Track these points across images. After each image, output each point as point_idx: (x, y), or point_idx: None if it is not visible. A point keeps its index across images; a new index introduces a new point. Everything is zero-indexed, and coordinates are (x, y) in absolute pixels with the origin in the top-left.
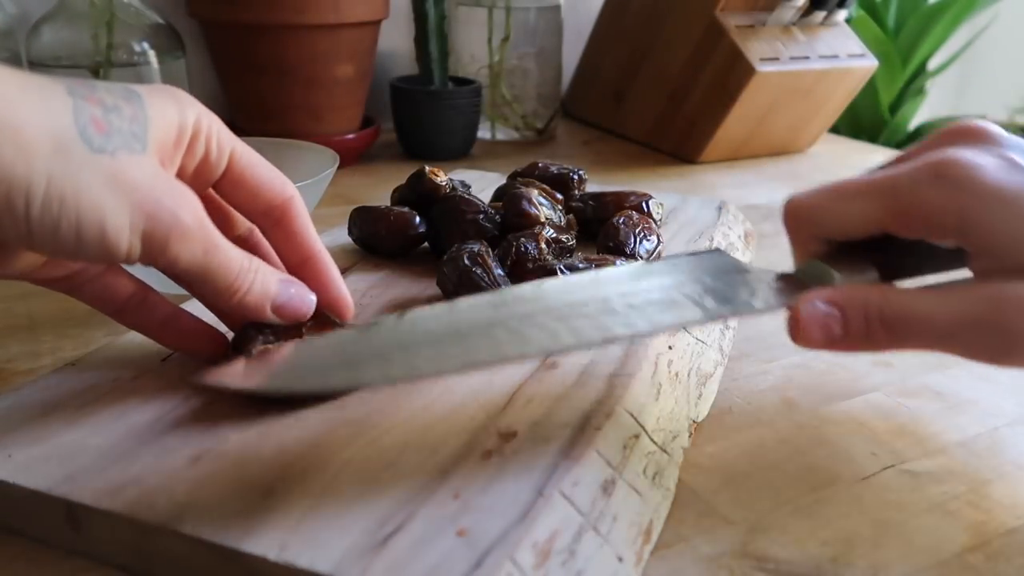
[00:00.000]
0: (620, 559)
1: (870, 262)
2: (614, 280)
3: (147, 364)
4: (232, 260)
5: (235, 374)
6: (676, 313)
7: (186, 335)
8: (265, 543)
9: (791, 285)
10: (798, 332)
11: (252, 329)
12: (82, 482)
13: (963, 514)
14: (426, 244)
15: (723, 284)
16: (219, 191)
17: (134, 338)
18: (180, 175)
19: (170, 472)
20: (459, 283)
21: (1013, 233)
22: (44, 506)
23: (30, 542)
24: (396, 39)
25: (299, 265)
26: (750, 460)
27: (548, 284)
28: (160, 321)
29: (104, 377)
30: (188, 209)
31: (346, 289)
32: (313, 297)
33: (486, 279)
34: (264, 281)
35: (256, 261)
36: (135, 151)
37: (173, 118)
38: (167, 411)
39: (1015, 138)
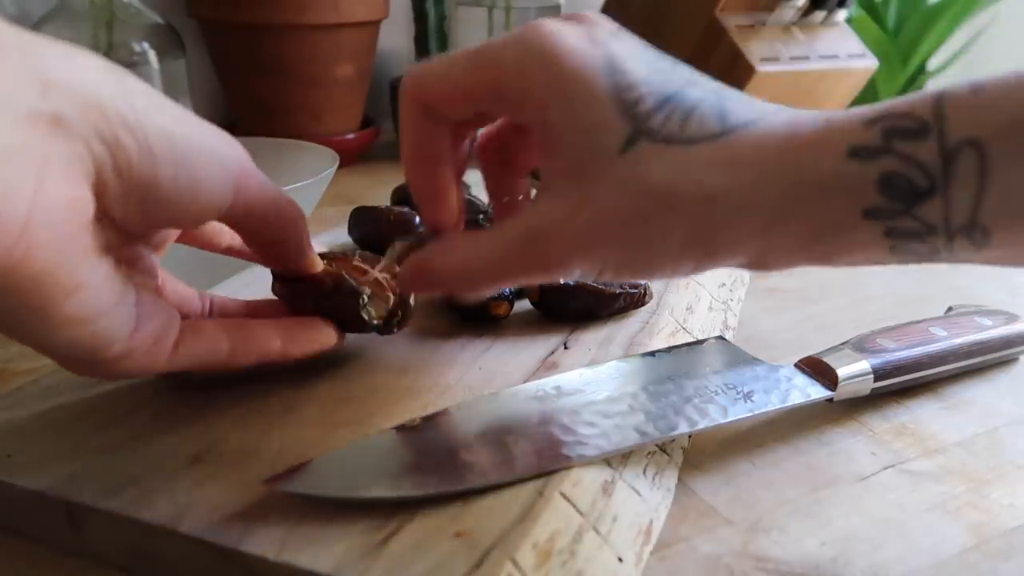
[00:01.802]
0: (620, 559)
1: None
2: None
3: None
4: (281, 195)
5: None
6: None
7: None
8: (265, 543)
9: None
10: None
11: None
12: (82, 482)
13: (963, 514)
14: None
15: None
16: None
17: None
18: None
19: (170, 472)
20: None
21: (564, 111)
22: (44, 506)
23: (30, 542)
24: (396, 39)
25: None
26: (750, 460)
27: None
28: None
29: None
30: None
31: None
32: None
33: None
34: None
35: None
36: None
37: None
38: (167, 411)
39: (613, 24)
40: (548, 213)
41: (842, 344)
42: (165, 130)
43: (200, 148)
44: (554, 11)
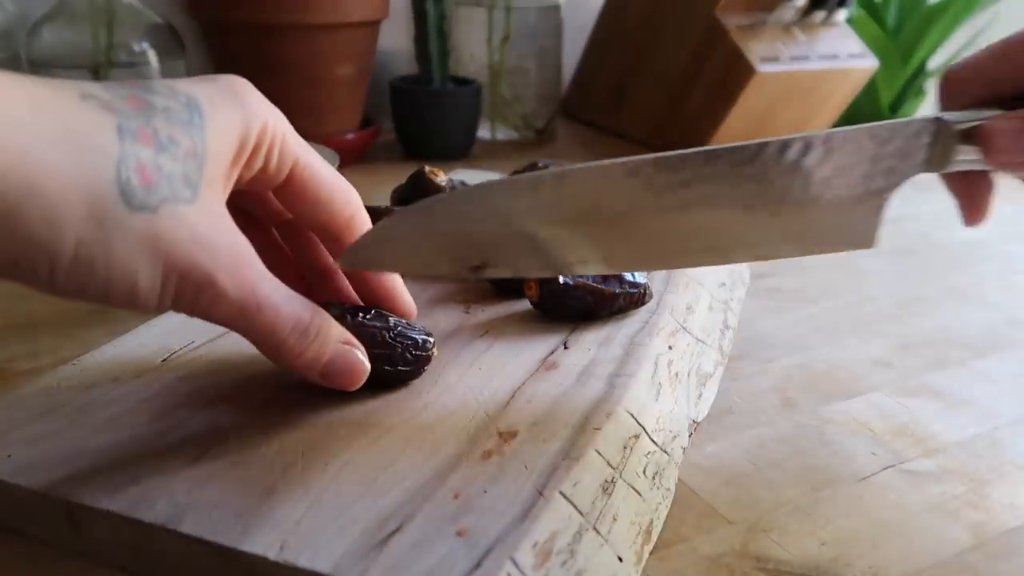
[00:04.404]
0: (620, 559)
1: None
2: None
3: (147, 364)
4: (282, 319)
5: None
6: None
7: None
8: (265, 543)
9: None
10: (993, 152)
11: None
12: (82, 482)
13: (963, 514)
14: None
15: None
16: (278, 197)
17: (134, 338)
18: (235, 185)
19: (170, 472)
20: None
21: None
22: (44, 506)
23: (30, 542)
24: (396, 39)
25: (364, 286)
26: (750, 460)
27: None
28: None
29: (104, 377)
30: (226, 269)
31: (412, 304)
32: (367, 367)
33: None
34: (321, 346)
35: (319, 319)
36: (182, 200)
37: (235, 133)
38: (167, 411)
39: None
40: None
41: None
42: None
43: None
44: (554, 11)
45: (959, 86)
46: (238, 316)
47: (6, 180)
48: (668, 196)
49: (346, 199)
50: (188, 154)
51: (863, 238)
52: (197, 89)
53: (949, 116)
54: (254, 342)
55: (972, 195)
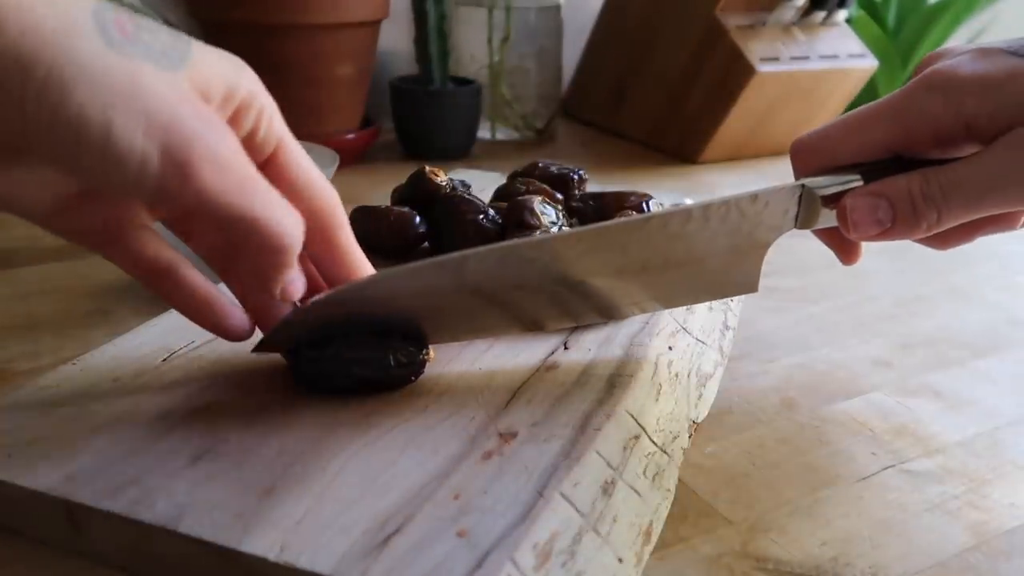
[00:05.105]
0: (620, 560)
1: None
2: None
3: (147, 364)
4: (276, 206)
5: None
6: None
7: (216, 313)
8: (265, 543)
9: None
10: (848, 226)
11: None
12: (82, 482)
13: (963, 514)
14: (426, 244)
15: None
16: None
17: (134, 338)
18: None
19: (170, 472)
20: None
21: (1017, 102)
22: (44, 506)
23: (30, 542)
24: (396, 39)
25: (340, 282)
26: (750, 460)
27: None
28: (190, 293)
29: (104, 377)
30: (217, 133)
31: None
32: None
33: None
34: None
35: (299, 226)
36: (162, 67)
37: (223, 74)
38: (167, 411)
39: (966, 46)
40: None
41: None
42: None
43: None
44: (554, 11)
45: (805, 158)
46: (237, 191)
47: None
48: (572, 265)
49: (326, 191)
50: (169, 44)
51: (748, 286)
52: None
53: (812, 183)
54: (251, 241)
55: (842, 244)
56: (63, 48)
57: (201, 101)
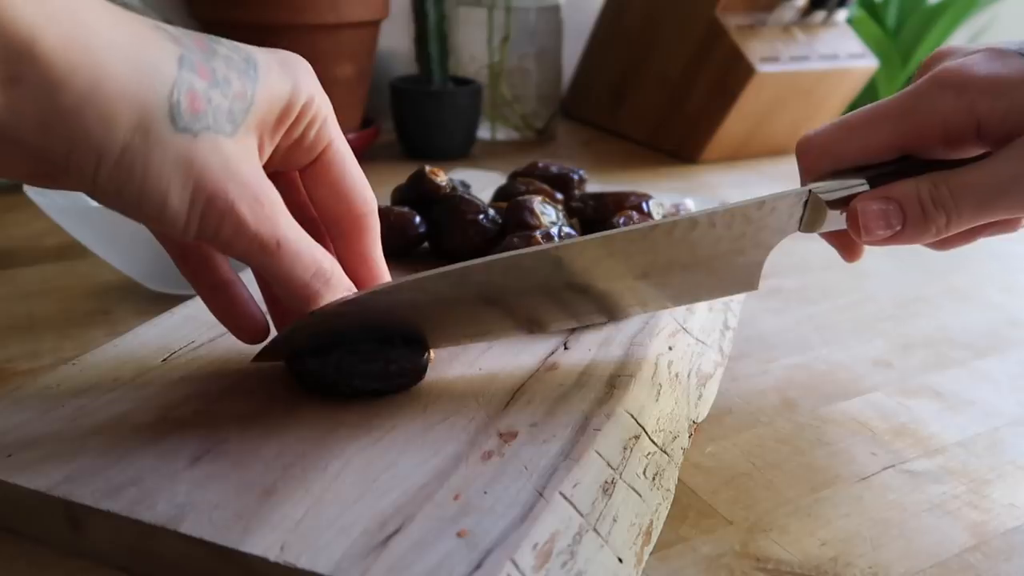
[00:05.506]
0: (620, 560)
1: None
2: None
3: (147, 364)
4: (303, 261)
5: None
6: None
7: (237, 305)
8: (265, 543)
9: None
10: (859, 230)
11: None
12: (82, 482)
13: (963, 514)
14: (426, 244)
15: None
16: (303, 179)
17: (134, 338)
18: (273, 152)
19: (170, 472)
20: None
21: None
22: (44, 506)
23: (30, 542)
24: (396, 39)
25: (357, 286)
26: (750, 460)
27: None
28: (219, 282)
29: (104, 377)
30: (250, 202)
31: None
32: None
33: None
34: (334, 293)
35: (335, 266)
36: (222, 132)
37: (283, 95)
38: (167, 411)
39: (973, 45)
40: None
41: None
42: None
43: None
44: (554, 11)
45: (812, 157)
46: (259, 251)
47: (75, 76)
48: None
49: (364, 197)
50: (238, 96)
51: (748, 285)
52: (258, 52)
53: (819, 187)
54: (275, 281)
55: (845, 243)
56: (136, 141)
57: (247, 159)
